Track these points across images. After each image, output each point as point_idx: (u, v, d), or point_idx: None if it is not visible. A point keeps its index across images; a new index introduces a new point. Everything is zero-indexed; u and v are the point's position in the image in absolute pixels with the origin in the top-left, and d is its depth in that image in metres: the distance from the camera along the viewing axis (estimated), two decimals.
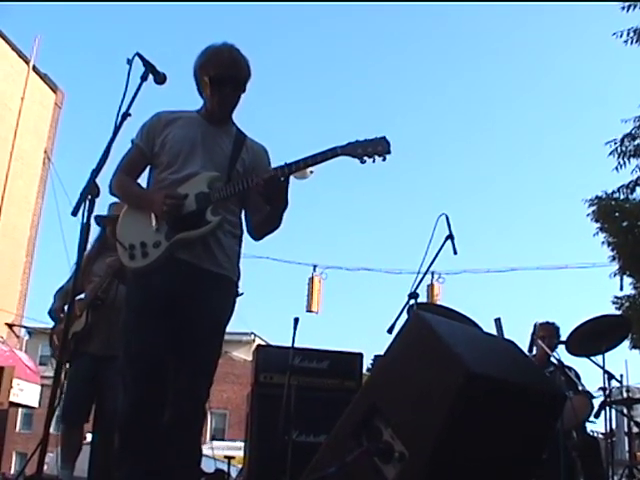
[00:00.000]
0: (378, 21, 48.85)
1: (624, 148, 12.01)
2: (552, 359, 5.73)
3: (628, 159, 12.03)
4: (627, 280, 12.74)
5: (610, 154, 12.00)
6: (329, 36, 51.06)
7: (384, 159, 2.95)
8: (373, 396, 2.92)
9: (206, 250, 3.15)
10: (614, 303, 12.74)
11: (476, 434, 2.71)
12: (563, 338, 5.76)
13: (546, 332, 5.88)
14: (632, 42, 11.82)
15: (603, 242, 12.46)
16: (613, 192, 12.25)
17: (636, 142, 11.97)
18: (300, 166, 3.02)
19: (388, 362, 3.03)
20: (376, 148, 2.95)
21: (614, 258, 12.53)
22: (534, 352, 5.83)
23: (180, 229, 3.12)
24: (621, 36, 11.86)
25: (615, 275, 12.50)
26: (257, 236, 3.39)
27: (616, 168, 12.07)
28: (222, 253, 3.19)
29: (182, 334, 3.10)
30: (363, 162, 2.93)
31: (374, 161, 2.94)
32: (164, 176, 3.24)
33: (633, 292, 12.89)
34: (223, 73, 3.23)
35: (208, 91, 3.27)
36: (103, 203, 4.93)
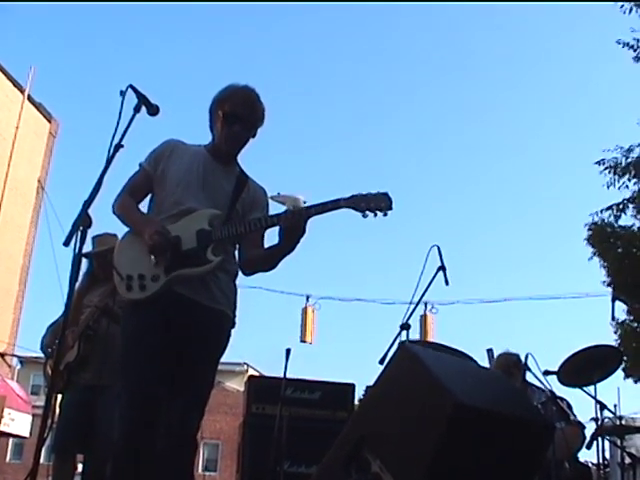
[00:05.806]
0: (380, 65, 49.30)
1: (617, 167, 12.10)
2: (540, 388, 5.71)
3: (620, 176, 12.12)
4: (619, 307, 12.77)
5: (602, 167, 12.09)
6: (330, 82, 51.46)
7: (385, 214, 2.99)
8: (362, 427, 2.93)
9: (203, 286, 3.17)
10: (613, 321, 12.74)
11: (464, 464, 2.72)
12: (554, 368, 5.76)
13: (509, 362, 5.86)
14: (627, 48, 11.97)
15: (601, 266, 12.52)
16: (602, 210, 12.33)
17: (629, 159, 12.04)
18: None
19: (376, 393, 3.04)
20: (379, 204, 2.98)
21: (609, 284, 12.56)
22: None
23: (180, 265, 3.13)
24: (623, 46, 12.04)
25: (604, 283, 12.56)
26: (248, 271, 3.40)
27: (607, 186, 12.18)
28: (218, 289, 3.22)
29: (176, 366, 3.11)
30: (365, 216, 2.97)
31: (375, 216, 2.99)
32: (163, 204, 3.27)
33: (626, 318, 12.91)
34: (237, 110, 3.29)
35: (219, 125, 3.32)
36: (95, 233, 4.94)
